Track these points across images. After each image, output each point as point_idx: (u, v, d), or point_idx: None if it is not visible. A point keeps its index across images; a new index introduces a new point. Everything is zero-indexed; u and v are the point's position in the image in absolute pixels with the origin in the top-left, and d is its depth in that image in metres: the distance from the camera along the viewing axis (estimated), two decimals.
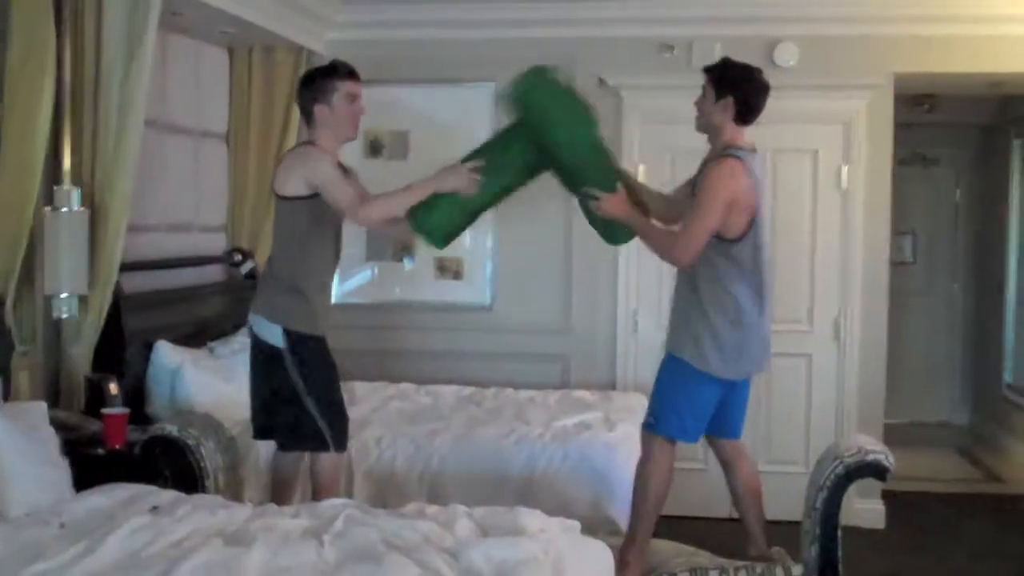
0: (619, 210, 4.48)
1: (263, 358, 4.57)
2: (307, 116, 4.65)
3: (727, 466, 4.85)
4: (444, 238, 4.60)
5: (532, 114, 4.48)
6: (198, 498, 3.91)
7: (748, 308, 4.48)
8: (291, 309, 4.53)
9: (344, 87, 4.58)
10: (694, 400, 4.57)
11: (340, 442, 4.57)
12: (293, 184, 4.50)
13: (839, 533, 4.04)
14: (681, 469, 6.26)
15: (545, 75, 4.50)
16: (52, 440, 4.07)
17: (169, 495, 3.90)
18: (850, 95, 6.49)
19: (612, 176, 4.58)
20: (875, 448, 4.11)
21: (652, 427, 4.63)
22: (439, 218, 4.50)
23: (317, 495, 4.50)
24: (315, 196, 4.47)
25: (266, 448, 5.14)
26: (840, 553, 4.04)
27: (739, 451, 4.85)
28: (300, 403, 4.49)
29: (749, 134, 4.61)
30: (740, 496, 4.81)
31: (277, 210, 4.63)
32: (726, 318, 4.47)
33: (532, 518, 3.58)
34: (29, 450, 3.81)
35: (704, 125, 4.62)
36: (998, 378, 8.98)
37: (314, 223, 4.53)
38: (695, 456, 6.27)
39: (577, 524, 3.74)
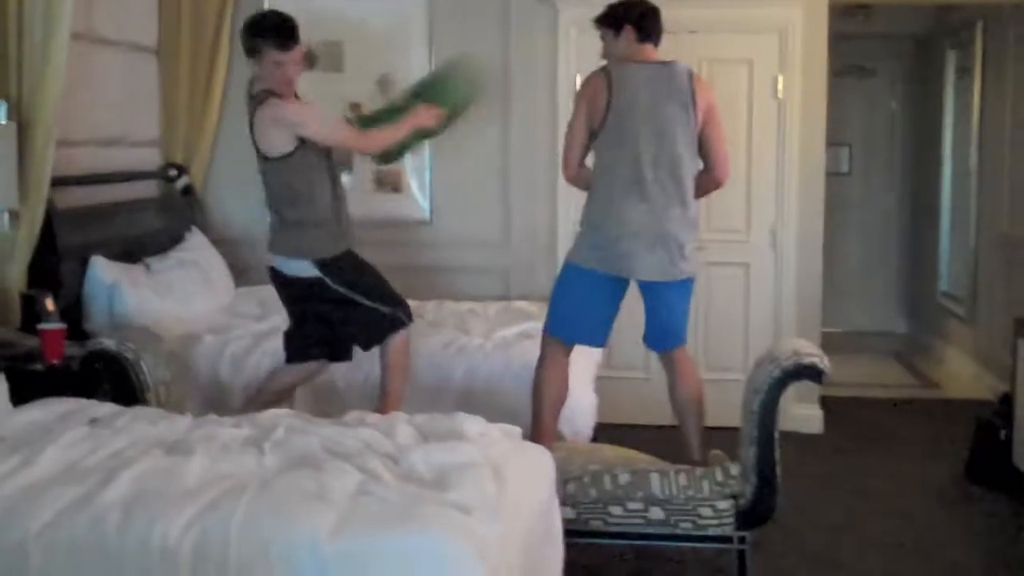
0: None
1: (302, 292, 4.75)
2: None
3: (671, 372, 4.89)
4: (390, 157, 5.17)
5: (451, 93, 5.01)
6: (138, 410, 3.89)
7: (618, 204, 4.62)
8: (312, 243, 4.70)
9: (269, 55, 4.58)
10: (571, 296, 4.75)
11: (408, 315, 4.87)
12: (279, 143, 4.57)
13: (776, 435, 4.08)
14: (624, 378, 6.43)
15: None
16: None
17: (108, 408, 3.87)
18: (785, 3, 6.47)
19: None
20: (811, 351, 4.15)
21: (545, 327, 4.85)
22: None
23: (394, 373, 4.79)
24: (302, 145, 4.58)
25: (205, 362, 5.15)
26: (777, 454, 4.08)
27: (673, 361, 4.87)
28: (359, 306, 4.75)
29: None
30: (677, 407, 4.87)
31: (269, 170, 4.65)
32: (594, 214, 4.71)
33: (472, 424, 3.60)
34: None
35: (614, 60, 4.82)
36: (934, 287, 9.13)
37: (310, 170, 4.64)
38: (637, 365, 6.35)
39: (518, 430, 3.76)
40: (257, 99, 4.61)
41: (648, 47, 4.78)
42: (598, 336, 4.87)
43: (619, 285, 4.74)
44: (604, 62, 4.84)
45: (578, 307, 4.76)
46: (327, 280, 4.69)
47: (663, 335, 4.83)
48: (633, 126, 4.63)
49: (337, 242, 4.75)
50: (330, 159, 4.76)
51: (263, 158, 4.64)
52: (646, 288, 4.75)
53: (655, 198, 4.64)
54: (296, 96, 4.71)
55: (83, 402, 3.93)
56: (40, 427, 3.57)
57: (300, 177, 4.62)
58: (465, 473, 3.10)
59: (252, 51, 4.61)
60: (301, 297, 4.78)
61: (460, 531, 2.75)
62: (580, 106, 4.75)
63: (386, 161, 5.31)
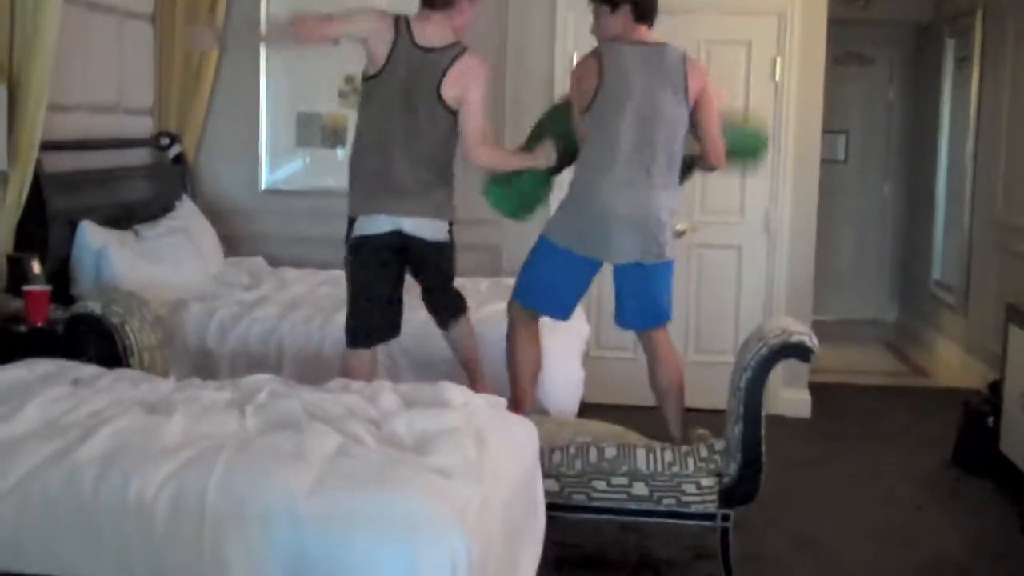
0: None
1: (426, 256, 4.71)
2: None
3: (652, 355, 4.85)
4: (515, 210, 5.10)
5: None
6: (120, 372, 3.87)
7: (600, 187, 4.60)
8: (447, 203, 4.72)
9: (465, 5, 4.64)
10: (542, 270, 4.75)
11: None
12: (455, 96, 4.56)
13: (763, 414, 4.07)
14: (610, 358, 6.41)
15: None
16: None
17: (91, 369, 3.85)
18: None
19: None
20: (799, 330, 4.13)
21: (514, 294, 4.86)
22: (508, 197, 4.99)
23: (474, 352, 4.84)
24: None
25: (192, 329, 5.13)
26: (763, 433, 4.07)
27: (654, 341, 4.84)
28: (453, 277, 4.84)
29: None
30: (657, 387, 4.83)
31: (443, 124, 4.61)
32: (577, 194, 4.68)
33: (456, 392, 3.58)
34: None
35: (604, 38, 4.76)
36: (926, 275, 9.11)
37: (455, 132, 4.63)
38: (624, 345, 6.33)
39: (502, 400, 3.75)
40: (456, 48, 4.58)
41: (643, 28, 4.73)
42: (562, 311, 4.85)
43: (591, 266, 4.72)
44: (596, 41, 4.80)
45: (547, 282, 4.76)
46: (448, 248, 4.76)
47: (644, 316, 4.79)
48: (621, 109, 4.59)
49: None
50: None
51: (446, 109, 4.58)
52: (624, 270, 4.70)
53: (639, 181, 4.61)
54: None
55: (66, 363, 3.91)
56: (21, 386, 3.55)
57: (455, 137, 4.64)
58: (447, 439, 3.09)
59: (448, 2, 4.58)
60: (443, 261, 4.80)
61: (438, 494, 2.74)
62: (571, 88, 4.78)
63: (510, 211, 5.15)
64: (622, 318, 4.82)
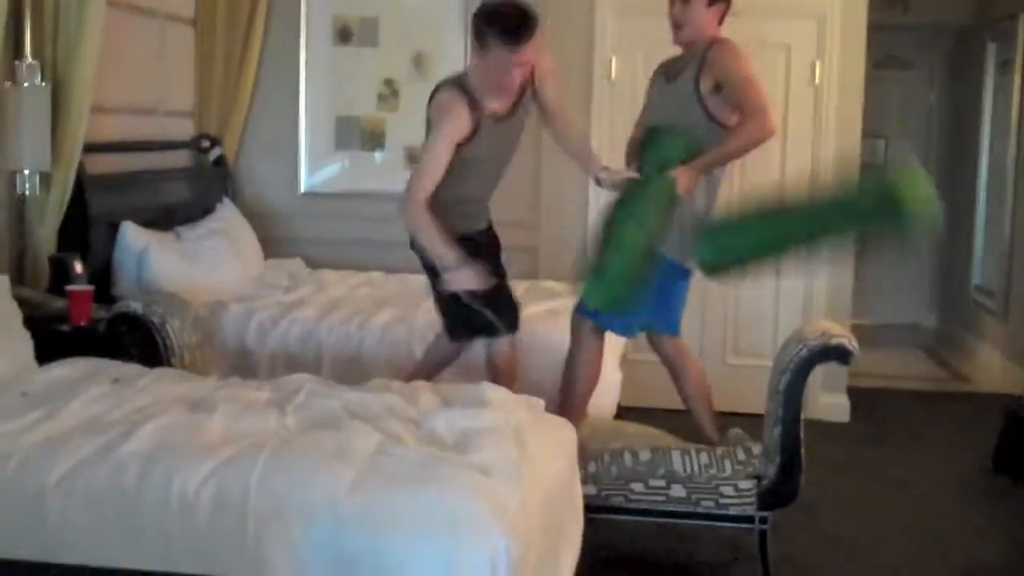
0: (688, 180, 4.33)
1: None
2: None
3: (672, 366, 4.80)
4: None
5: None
6: (161, 371, 3.91)
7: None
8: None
9: (497, 54, 4.16)
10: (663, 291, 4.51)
11: None
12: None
13: (801, 416, 4.06)
14: (648, 362, 6.35)
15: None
16: (15, 314, 4.05)
17: (132, 368, 3.89)
18: None
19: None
20: (839, 332, 4.12)
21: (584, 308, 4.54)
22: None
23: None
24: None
25: (232, 329, 5.16)
26: (802, 436, 4.06)
27: (676, 349, 4.78)
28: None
29: (723, 29, 4.60)
30: (688, 396, 4.76)
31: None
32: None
33: (496, 392, 3.59)
34: None
35: (691, 34, 4.50)
36: (967, 280, 9.04)
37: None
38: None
39: (541, 401, 3.75)
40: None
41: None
42: (630, 328, 4.73)
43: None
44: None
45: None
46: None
47: (672, 316, 4.71)
48: None
49: None
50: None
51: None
52: (687, 273, 4.61)
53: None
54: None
55: (108, 362, 3.95)
56: (64, 384, 3.59)
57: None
58: (486, 437, 3.10)
59: (475, 36, 4.26)
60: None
61: (479, 492, 2.75)
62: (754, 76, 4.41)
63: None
64: (667, 322, 4.73)
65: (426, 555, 2.66)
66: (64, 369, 3.78)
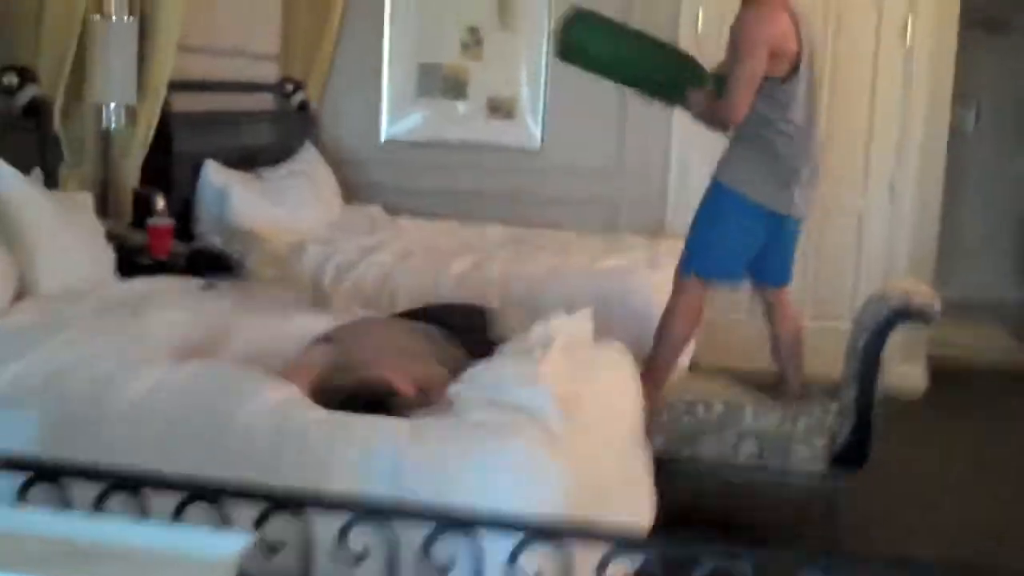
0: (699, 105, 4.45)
1: None
2: None
3: (770, 312, 4.78)
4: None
5: (589, 61, 4.64)
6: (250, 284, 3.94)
7: (794, 145, 4.38)
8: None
9: None
10: (731, 232, 4.44)
11: None
12: None
13: (879, 377, 4.00)
14: (720, 320, 6.30)
15: (584, 21, 4.60)
16: (96, 229, 4.12)
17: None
18: None
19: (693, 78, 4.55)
20: (923, 292, 4.05)
21: (685, 263, 4.53)
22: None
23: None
24: None
25: (310, 269, 5.17)
26: (878, 396, 4.00)
27: (782, 299, 4.75)
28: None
29: None
30: (780, 343, 4.74)
31: None
32: (770, 151, 4.36)
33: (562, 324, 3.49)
34: (70, 232, 3.84)
35: None
36: None
37: None
38: (737, 307, 6.22)
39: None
40: None
41: None
42: (740, 276, 4.67)
43: (774, 222, 4.49)
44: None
45: (741, 244, 4.47)
46: None
47: (779, 269, 4.66)
48: (804, 73, 4.38)
49: None
50: None
51: None
52: (795, 223, 4.56)
53: (814, 135, 4.49)
54: None
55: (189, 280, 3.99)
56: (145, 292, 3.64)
57: None
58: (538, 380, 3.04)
59: None
60: None
61: (534, 435, 2.75)
62: (763, 41, 4.26)
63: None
64: (773, 274, 4.66)
65: (489, 466, 2.68)
66: (145, 284, 3.84)
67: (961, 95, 7.21)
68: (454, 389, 2.96)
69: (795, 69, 4.34)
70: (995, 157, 9.71)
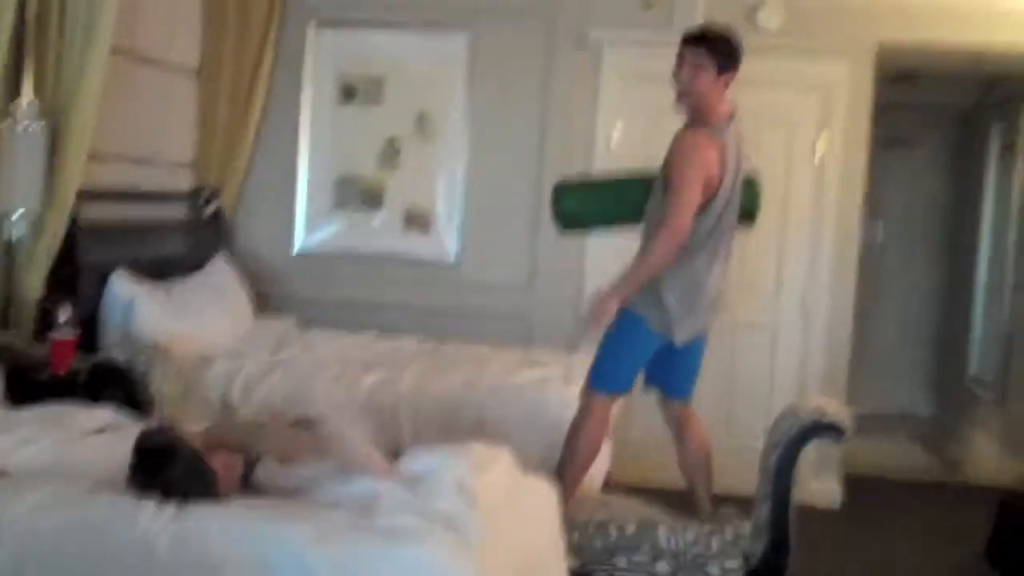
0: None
1: None
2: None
3: (677, 430, 4.79)
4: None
5: (589, 223, 5.07)
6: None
7: (702, 275, 4.46)
8: None
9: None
10: (623, 351, 4.56)
11: None
12: None
13: (792, 494, 3.97)
14: (637, 440, 6.26)
15: (565, 192, 4.91)
16: None
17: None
18: (832, 62, 6.40)
19: None
20: (834, 409, 4.05)
21: (590, 379, 4.62)
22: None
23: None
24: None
25: (216, 384, 5.07)
26: (792, 515, 3.97)
27: (689, 415, 4.79)
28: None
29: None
30: (689, 462, 4.75)
31: None
32: (681, 283, 4.44)
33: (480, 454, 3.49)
34: None
35: (696, 100, 4.46)
36: (963, 369, 8.94)
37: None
38: (651, 427, 6.18)
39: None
40: None
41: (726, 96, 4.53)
42: (631, 383, 4.75)
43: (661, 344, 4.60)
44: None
45: (636, 364, 4.63)
46: None
47: (683, 384, 4.76)
48: (725, 197, 4.45)
49: None
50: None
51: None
52: (695, 342, 4.65)
53: (722, 261, 4.56)
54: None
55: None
56: None
57: None
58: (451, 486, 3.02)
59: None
60: None
61: (446, 541, 2.72)
62: (698, 173, 4.33)
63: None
64: (678, 388, 4.75)
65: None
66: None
67: (871, 210, 7.34)
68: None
69: (715, 194, 4.39)
70: (901, 269, 9.86)
